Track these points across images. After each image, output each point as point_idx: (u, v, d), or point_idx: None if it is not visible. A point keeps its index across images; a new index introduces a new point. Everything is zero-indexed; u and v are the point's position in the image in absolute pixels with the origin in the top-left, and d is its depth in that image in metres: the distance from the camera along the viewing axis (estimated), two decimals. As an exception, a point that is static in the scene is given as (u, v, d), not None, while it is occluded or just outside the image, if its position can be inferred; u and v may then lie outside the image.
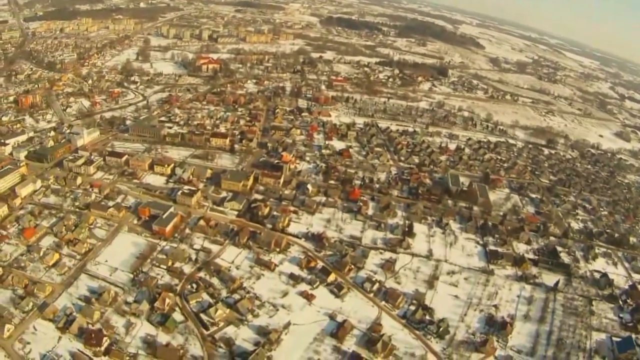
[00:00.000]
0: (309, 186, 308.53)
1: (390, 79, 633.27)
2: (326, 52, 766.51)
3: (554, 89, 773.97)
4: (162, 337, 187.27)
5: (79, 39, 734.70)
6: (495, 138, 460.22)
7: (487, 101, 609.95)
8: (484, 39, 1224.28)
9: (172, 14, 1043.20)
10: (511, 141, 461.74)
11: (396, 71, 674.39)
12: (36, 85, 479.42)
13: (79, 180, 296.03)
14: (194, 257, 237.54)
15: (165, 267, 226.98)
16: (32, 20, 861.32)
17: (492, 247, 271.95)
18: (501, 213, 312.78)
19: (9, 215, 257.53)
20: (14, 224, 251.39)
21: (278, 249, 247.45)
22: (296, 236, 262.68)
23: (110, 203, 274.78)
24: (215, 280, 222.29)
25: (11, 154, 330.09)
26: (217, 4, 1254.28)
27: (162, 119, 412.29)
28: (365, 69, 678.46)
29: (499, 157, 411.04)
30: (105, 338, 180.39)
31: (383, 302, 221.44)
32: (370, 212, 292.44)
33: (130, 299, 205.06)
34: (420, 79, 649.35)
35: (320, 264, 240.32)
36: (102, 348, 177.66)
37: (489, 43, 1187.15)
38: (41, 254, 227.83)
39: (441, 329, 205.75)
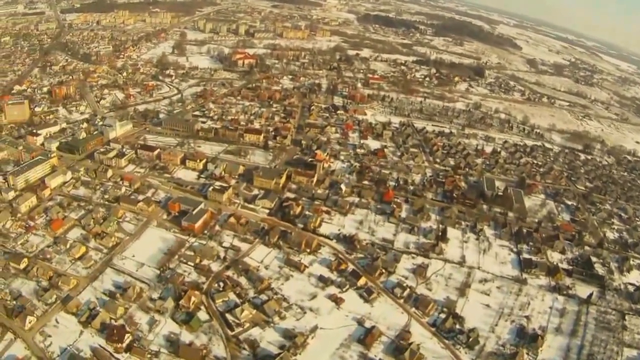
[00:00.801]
0: (343, 186, 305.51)
1: (427, 79, 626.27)
2: (363, 49, 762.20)
3: (591, 92, 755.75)
4: (186, 336, 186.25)
5: (115, 31, 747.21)
6: (531, 142, 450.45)
7: (524, 103, 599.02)
8: (521, 40, 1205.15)
9: (209, 8, 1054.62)
10: (548, 145, 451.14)
11: (433, 70, 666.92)
12: (70, 77, 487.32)
13: (109, 173, 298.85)
14: (222, 255, 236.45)
15: (192, 264, 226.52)
16: (69, 12, 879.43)
17: (526, 256, 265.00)
18: (536, 220, 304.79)
19: (38, 206, 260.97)
20: (42, 215, 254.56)
21: (308, 250, 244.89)
22: (327, 237, 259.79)
23: (140, 197, 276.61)
24: (243, 280, 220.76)
25: (43, 144, 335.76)
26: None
27: (196, 113, 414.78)
28: (402, 67, 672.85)
29: (535, 162, 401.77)
30: (127, 334, 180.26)
31: (413, 309, 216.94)
32: (403, 214, 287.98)
33: (155, 295, 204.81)
34: (457, 79, 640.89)
35: (350, 267, 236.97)
36: (124, 345, 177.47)
37: (526, 44, 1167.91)
38: (68, 246, 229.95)
39: (471, 339, 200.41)
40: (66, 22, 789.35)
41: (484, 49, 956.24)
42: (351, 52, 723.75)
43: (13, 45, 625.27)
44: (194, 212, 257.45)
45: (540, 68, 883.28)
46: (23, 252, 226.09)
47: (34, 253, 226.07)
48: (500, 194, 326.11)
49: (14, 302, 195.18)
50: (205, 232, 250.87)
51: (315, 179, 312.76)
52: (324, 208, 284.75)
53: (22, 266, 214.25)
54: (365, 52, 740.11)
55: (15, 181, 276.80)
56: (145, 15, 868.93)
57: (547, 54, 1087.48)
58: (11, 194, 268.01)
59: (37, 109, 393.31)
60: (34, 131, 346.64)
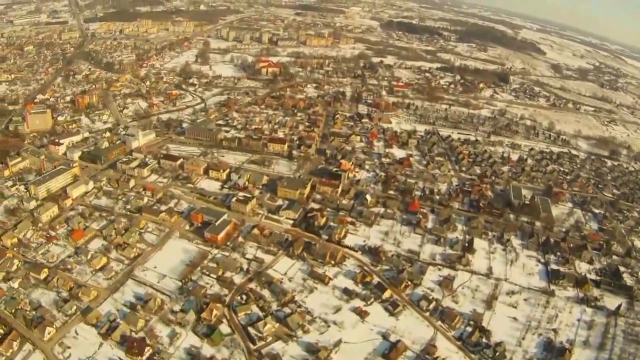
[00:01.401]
0: (368, 196, 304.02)
1: (452, 86, 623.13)
2: (387, 56, 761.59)
3: (616, 96, 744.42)
4: (207, 350, 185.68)
5: (138, 40, 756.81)
6: (557, 148, 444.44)
7: (549, 109, 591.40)
8: (545, 45, 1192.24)
9: (232, 16, 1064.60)
10: (574, 152, 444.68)
11: (457, 77, 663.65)
12: (93, 86, 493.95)
13: (132, 182, 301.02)
14: (245, 266, 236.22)
15: (215, 276, 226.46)
16: (92, 21, 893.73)
17: (553, 266, 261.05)
18: (563, 229, 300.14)
19: (59, 216, 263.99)
20: (63, 225, 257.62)
21: (333, 262, 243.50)
22: (352, 249, 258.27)
23: (163, 207, 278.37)
24: (266, 292, 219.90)
25: (65, 153, 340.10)
26: (278, 6, 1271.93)
27: (220, 122, 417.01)
28: (427, 74, 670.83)
29: (562, 169, 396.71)
30: (147, 347, 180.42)
31: (439, 322, 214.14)
32: (429, 225, 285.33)
33: (176, 307, 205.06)
34: (481, 85, 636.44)
35: (375, 279, 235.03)
36: (144, 358, 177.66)
37: (550, 49, 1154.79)
38: (89, 256, 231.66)
39: (497, 354, 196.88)
40: (89, 31, 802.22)
41: (508, 55, 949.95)
42: (375, 60, 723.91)
43: (36, 54, 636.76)
44: (217, 223, 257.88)
45: (564, 73, 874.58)
46: (43, 262, 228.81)
47: (54, 263, 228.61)
48: (527, 202, 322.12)
49: (34, 313, 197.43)
50: (228, 243, 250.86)
51: (340, 189, 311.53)
52: (349, 219, 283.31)
53: (42, 276, 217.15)
54: (389, 60, 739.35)
55: (37, 191, 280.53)
56: (169, 24, 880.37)
57: (571, 59, 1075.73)
58: (32, 204, 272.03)
59: (59, 118, 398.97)
60: (56, 140, 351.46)
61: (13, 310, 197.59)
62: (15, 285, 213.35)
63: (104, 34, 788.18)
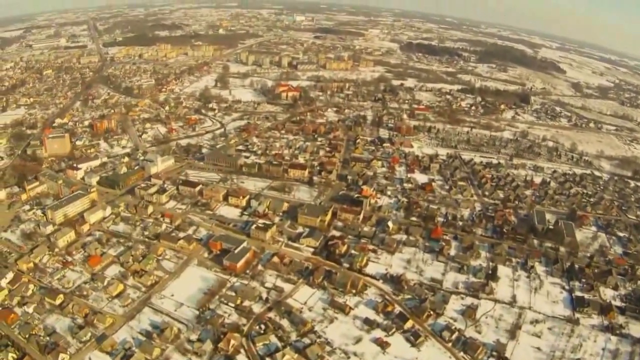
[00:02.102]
0: (390, 223, 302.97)
1: (473, 107, 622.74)
2: (407, 79, 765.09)
3: (637, 114, 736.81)
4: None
5: (158, 64, 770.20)
6: (580, 170, 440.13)
7: (571, 129, 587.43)
8: (565, 63, 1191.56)
9: (252, 40, 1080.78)
10: (597, 173, 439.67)
11: (478, 99, 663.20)
12: (112, 110, 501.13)
13: (150, 209, 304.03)
14: (264, 295, 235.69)
15: (233, 305, 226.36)
16: (111, 45, 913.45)
17: (578, 293, 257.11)
18: (588, 254, 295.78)
19: (76, 242, 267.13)
20: (80, 250, 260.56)
21: (354, 291, 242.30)
22: (374, 277, 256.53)
23: (181, 234, 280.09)
24: (285, 322, 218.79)
25: (83, 178, 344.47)
26: (297, 30, 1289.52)
27: (240, 147, 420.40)
28: (447, 96, 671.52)
29: (585, 191, 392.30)
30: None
31: (461, 353, 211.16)
32: (452, 252, 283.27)
33: (193, 337, 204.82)
34: (502, 106, 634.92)
35: (397, 309, 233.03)
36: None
37: (570, 67, 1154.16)
38: (105, 283, 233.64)
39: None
40: (108, 56, 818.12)
41: (528, 74, 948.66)
42: (395, 82, 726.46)
43: (55, 78, 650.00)
44: (236, 251, 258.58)
45: (585, 91, 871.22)
46: (59, 287, 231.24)
47: (70, 289, 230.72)
48: (551, 227, 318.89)
49: (48, 339, 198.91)
50: (247, 271, 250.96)
51: (361, 216, 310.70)
52: (371, 247, 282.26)
53: (57, 302, 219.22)
54: (410, 82, 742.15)
55: (54, 215, 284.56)
56: (188, 48, 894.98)
57: (591, 77, 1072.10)
58: (49, 229, 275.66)
59: (78, 143, 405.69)
60: (75, 165, 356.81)
61: (27, 336, 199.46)
62: (30, 310, 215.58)
63: (122, 59, 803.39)
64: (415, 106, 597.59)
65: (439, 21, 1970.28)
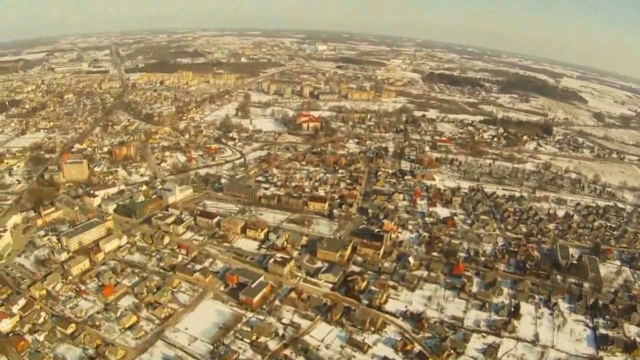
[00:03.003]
0: (411, 259, 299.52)
1: (495, 139, 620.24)
2: (429, 110, 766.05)
3: None
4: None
5: (179, 92, 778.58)
6: (603, 202, 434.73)
7: (594, 161, 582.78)
8: (586, 92, 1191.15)
9: (274, 69, 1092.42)
10: (620, 205, 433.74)
11: (500, 130, 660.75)
12: (132, 137, 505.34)
13: (166, 239, 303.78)
14: (281, 332, 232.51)
15: (248, 340, 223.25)
16: (132, 71, 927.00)
17: (602, 331, 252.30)
18: (612, 290, 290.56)
19: (90, 270, 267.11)
20: (94, 279, 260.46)
21: (373, 329, 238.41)
22: (394, 315, 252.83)
23: (197, 267, 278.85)
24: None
25: (99, 205, 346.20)
26: (319, 60, 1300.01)
27: (259, 178, 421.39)
28: (469, 128, 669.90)
29: (609, 224, 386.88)
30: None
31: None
32: (474, 289, 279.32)
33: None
34: (525, 138, 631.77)
35: (417, 348, 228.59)
36: None
37: (591, 96, 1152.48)
38: (118, 314, 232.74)
39: None
40: (129, 82, 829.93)
41: (550, 105, 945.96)
42: (417, 113, 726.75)
43: (76, 102, 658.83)
44: (253, 286, 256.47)
45: (607, 121, 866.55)
46: (71, 316, 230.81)
47: (82, 318, 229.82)
48: (574, 262, 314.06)
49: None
50: (264, 307, 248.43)
51: (382, 251, 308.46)
52: (391, 283, 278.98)
53: (69, 331, 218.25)
54: (432, 113, 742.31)
55: (69, 242, 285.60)
56: (209, 76, 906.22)
57: (612, 106, 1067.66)
58: (64, 256, 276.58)
59: (96, 169, 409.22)
60: (92, 192, 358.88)
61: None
62: (41, 338, 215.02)
63: (144, 85, 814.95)
64: (437, 138, 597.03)
65: (461, 51, 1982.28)
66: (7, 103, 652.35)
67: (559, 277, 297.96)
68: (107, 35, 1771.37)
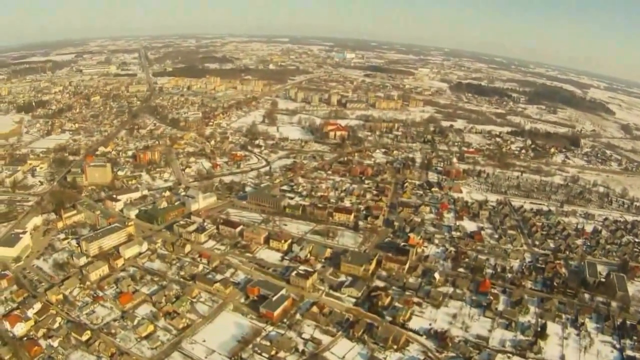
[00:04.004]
0: (436, 274, 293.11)
1: (523, 151, 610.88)
2: (457, 120, 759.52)
3: None
4: None
5: (206, 97, 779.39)
6: (632, 217, 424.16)
7: (622, 174, 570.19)
8: (614, 104, 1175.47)
9: (302, 76, 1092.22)
10: None
11: (528, 142, 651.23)
12: (157, 142, 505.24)
13: (187, 247, 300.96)
14: (301, 347, 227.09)
15: (267, 355, 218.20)
16: (160, 75, 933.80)
17: (629, 352, 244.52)
18: None
19: (109, 276, 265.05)
20: (112, 285, 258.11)
21: (395, 347, 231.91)
22: (417, 332, 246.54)
23: (218, 277, 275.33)
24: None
25: (122, 210, 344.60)
26: (347, 67, 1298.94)
27: (284, 187, 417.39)
28: (497, 139, 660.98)
29: (637, 240, 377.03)
30: None
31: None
32: (500, 307, 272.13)
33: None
34: (552, 150, 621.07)
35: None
36: None
37: (619, 108, 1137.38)
38: (135, 322, 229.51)
39: None
40: (157, 85, 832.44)
41: (578, 116, 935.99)
42: (445, 124, 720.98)
43: (102, 105, 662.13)
44: (274, 299, 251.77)
45: (634, 133, 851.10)
46: (87, 323, 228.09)
47: (98, 325, 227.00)
48: (602, 280, 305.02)
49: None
50: (285, 320, 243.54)
51: (407, 266, 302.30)
52: (415, 299, 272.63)
53: (84, 338, 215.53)
54: (459, 123, 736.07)
55: (89, 247, 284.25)
56: (237, 82, 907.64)
57: None
58: (82, 260, 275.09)
59: (119, 173, 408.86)
60: (114, 196, 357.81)
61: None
62: (55, 344, 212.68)
63: (171, 89, 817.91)
64: (465, 149, 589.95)
65: (488, 60, 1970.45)
66: (34, 103, 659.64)
67: (586, 295, 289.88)
68: (136, 39, 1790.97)
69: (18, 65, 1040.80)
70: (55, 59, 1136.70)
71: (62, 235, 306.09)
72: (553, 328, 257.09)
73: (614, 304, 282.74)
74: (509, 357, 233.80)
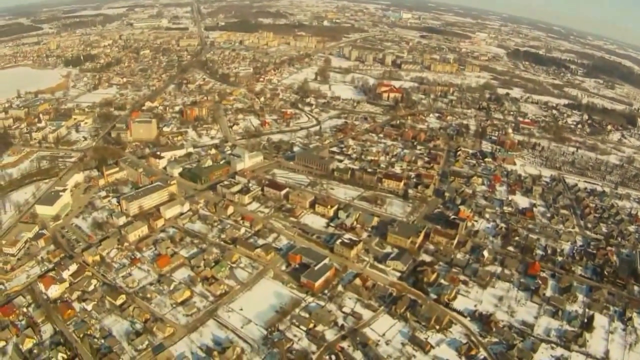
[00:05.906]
0: (485, 252, 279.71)
1: (579, 126, 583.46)
2: (513, 88, 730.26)
3: None
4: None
5: (258, 52, 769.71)
6: None
7: None
8: None
9: (357, 34, 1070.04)
10: None
11: (585, 116, 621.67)
12: (205, 97, 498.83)
13: (230, 209, 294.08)
14: (340, 321, 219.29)
15: (305, 328, 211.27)
16: (212, 29, 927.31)
17: None
18: None
19: (148, 237, 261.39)
20: (150, 247, 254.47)
21: (438, 327, 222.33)
22: (462, 314, 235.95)
23: (260, 241, 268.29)
24: (358, 355, 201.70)
25: (165, 168, 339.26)
26: (402, 28, 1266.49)
27: (334, 149, 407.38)
28: (554, 111, 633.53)
29: None
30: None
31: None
32: (548, 292, 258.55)
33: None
34: (609, 127, 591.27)
35: (482, 354, 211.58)
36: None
37: None
38: (171, 287, 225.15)
39: None
40: (208, 40, 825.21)
41: (636, 94, 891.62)
42: (501, 91, 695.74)
43: (151, 59, 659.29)
44: (316, 268, 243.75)
45: None
46: (123, 286, 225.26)
47: (133, 289, 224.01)
48: None
49: (102, 342, 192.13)
50: (326, 292, 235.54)
51: (456, 241, 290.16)
52: (462, 277, 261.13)
53: (118, 302, 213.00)
54: (516, 92, 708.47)
55: (129, 206, 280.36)
56: (290, 38, 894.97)
57: None
58: (122, 220, 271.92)
59: (165, 129, 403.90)
60: (158, 153, 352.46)
61: (81, 335, 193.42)
62: (89, 307, 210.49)
63: (223, 44, 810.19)
64: (521, 119, 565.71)
65: (546, 29, 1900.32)
66: (82, 57, 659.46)
67: (635, 287, 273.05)
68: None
69: (68, 19, 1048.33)
70: (107, 12, 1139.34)
71: (103, 193, 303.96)
72: (600, 320, 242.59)
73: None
74: (552, 348, 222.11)
